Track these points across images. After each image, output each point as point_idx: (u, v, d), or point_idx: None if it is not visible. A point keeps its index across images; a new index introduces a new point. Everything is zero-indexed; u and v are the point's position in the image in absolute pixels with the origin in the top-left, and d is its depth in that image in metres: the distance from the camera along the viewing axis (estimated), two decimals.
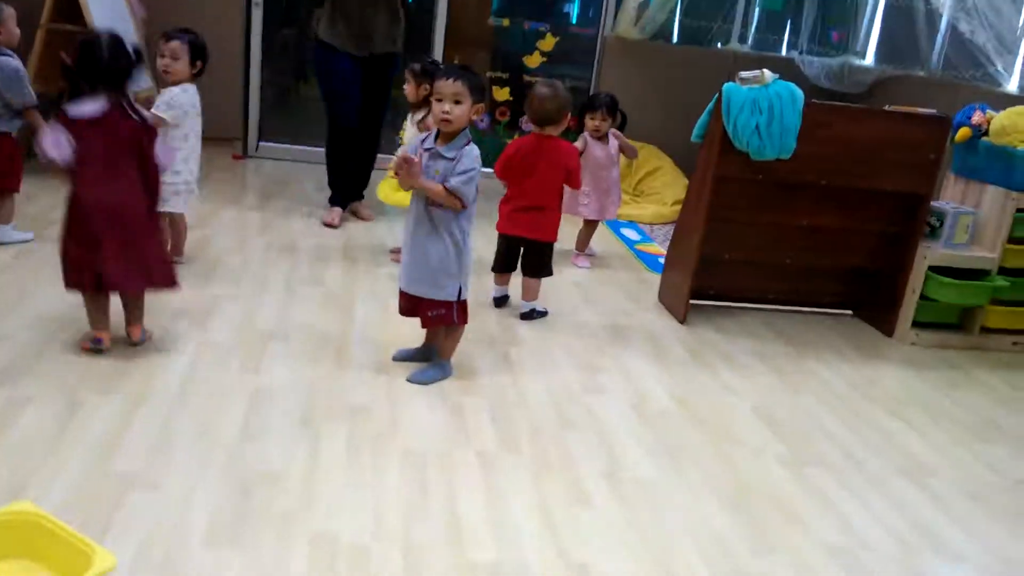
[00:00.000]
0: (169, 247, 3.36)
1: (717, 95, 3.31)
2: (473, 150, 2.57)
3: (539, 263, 3.38)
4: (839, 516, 2.24)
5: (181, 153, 3.22)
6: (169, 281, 2.65)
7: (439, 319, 2.70)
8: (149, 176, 2.59)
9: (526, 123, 3.36)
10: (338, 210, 4.35)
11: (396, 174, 2.55)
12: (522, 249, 3.39)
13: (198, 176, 3.37)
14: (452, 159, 2.55)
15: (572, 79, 5.94)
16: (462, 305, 2.69)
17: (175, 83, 3.19)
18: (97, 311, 2.60)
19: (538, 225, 3.34)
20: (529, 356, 3.01)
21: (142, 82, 4.40)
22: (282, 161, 5.51)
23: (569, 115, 3.33)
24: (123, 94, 2.52)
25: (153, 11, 4.75)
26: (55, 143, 2.41)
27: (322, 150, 4.40)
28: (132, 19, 4.60)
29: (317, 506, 1.99)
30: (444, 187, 2.52)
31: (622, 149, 4.10)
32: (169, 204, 3.25)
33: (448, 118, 2.52)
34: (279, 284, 3.39)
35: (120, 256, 2.50)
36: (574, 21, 6.20)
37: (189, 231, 3.50)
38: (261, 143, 5.66)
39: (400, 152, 3.69)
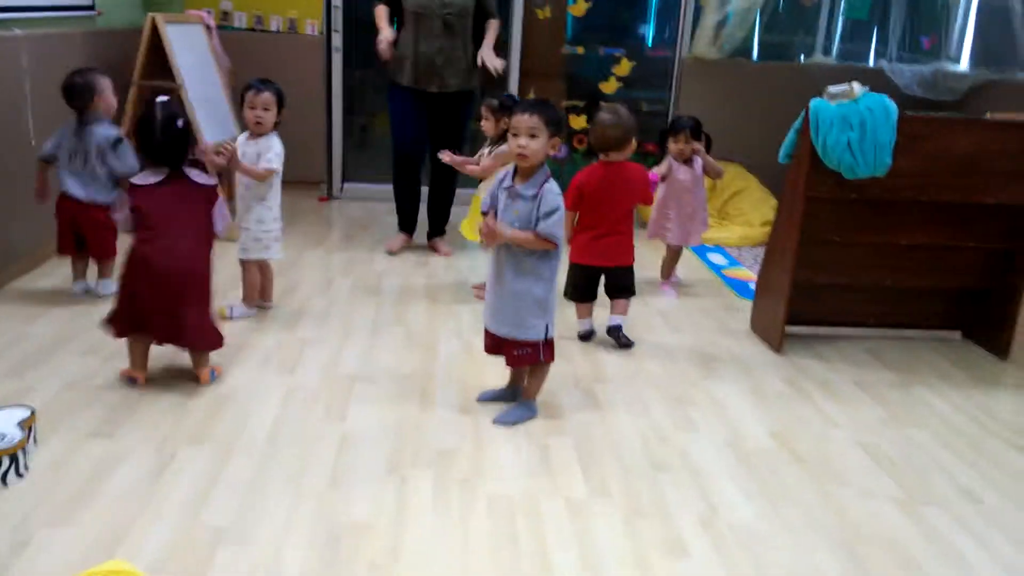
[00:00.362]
0: (258, 292, 3.43)
1: (804, 112, 3.18)
2: (554, 187, 2.53)
3: (624, 285, 3.36)
4: (960, 561, 2.07)
5: (268, 203, 3.30)
6: (210, 344, 2.77)
7: (525, 358, 2.65)
8: (207, 240, 2.74)
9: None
10: (401, 236, 4.50)
11: (481, 242, 2.55)
12: (603, 277, 3.34)
13: (282, 223, 3.42)
14: (532, 197, 2.50)
15: (650, 103, 5.86)
16: (549, 344, 2.63)
17: (265, 133, 3.25)
18: (136, 353, 2.74)
19: (617, 251, 3.30)
20: (616, 392, 2.92)
21: (228, 132, 4.55)
22: (367, 201, 5.59)
23: (633, 140, 3.27)
24: (179, 165, 2.67)
25: (237, 62, 4.93)
26: (119, 206, 2.72)
27: None
28: (218, 71, 4.77)
29: (405, 556, 1.96)
30: (535, 233, 2.48)
31: (706, 170, 3.99)
32: (256, 253, 3.33)
33: (524, 153, 2.48)
34: (364, 325, 3.41)
35: (164, 316, 2.63)
36: (650, 44, 6.13)
37: (276, 275, 3.56)
38: (345, 184, 5.77)
39: (481, 188, 3.71)
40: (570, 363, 3.12)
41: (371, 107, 6.07)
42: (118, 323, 2.69)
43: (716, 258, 4.63)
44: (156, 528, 2.01)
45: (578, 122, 5.93)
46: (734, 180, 5.34)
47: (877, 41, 5.99)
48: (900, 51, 5.78)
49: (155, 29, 4.27)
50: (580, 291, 3.38)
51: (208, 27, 4.82)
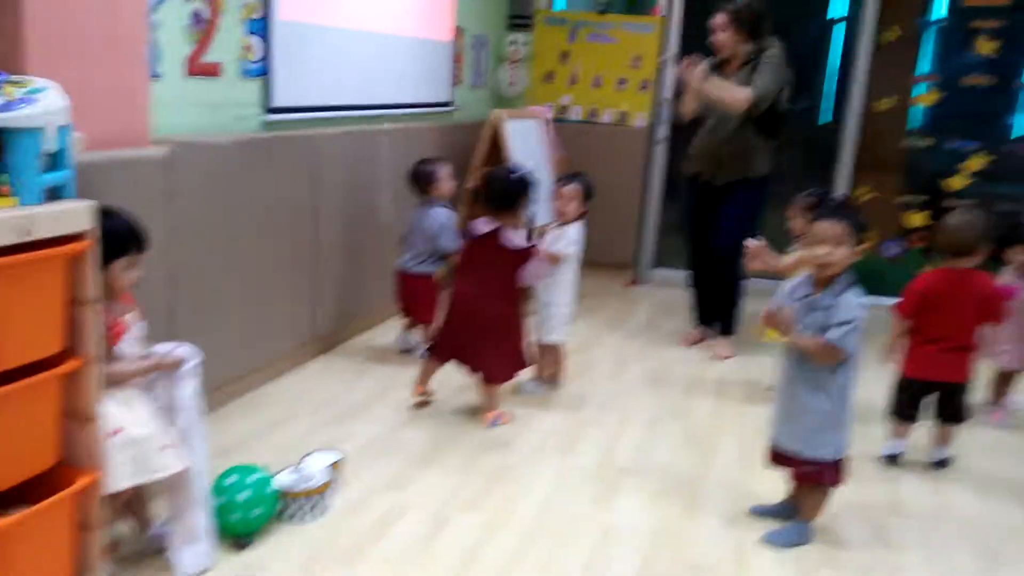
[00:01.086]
0: (546, 373, 3.60)
1: None
2: (854, 298, 2.35)
3: (959, 407, 3.02)
4: None
5: (563, 287, 3.48)
6: (501, 379, 3.25)
7: (809, 476, 2.46)
8: (513, 290, 3.21)
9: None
10: (696, 331, 4.46)
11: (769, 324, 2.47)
12: (934, 393, 3.02)
13: (573, 307, 3.57)
14: (828, 308, 2.36)
15: (1007, 202, 5.20)
16: (838, 464, 2.43)
17: (569, 222, 3.46)
18: (427, 372, 3.30)
19: (955, 366, 2.98)
20: (913, 530, 2.59)
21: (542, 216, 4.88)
22: (676, 288, 5.59)
23: (987, 247, 2.92)
24: (508, 222, 3.13)
25: (571, 151, 5.29)
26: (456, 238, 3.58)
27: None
28: (550, 162, 5.13)
29: None
30: (821, 341, 2.34)
31: None
32: (542, 334, 3.52)
33: (825, 262, 2.35)
34: (646, 414, 3.41)
35: (469, 349, 3.17)
36: (1013, 136, 5.45)
37: (570, 354, 3.70)
38: (655, 270, 5.85)
39: (781, 290, 3.52)
40: (862, 487, 2.82)
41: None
42: (437, 351, 3.27)
43: None
44: None
45: (916, 220, 5.45)
46: None
47: None
48: None
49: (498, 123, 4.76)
50: (900, 406, 3.06)
51: (545, 120, 5.26)
